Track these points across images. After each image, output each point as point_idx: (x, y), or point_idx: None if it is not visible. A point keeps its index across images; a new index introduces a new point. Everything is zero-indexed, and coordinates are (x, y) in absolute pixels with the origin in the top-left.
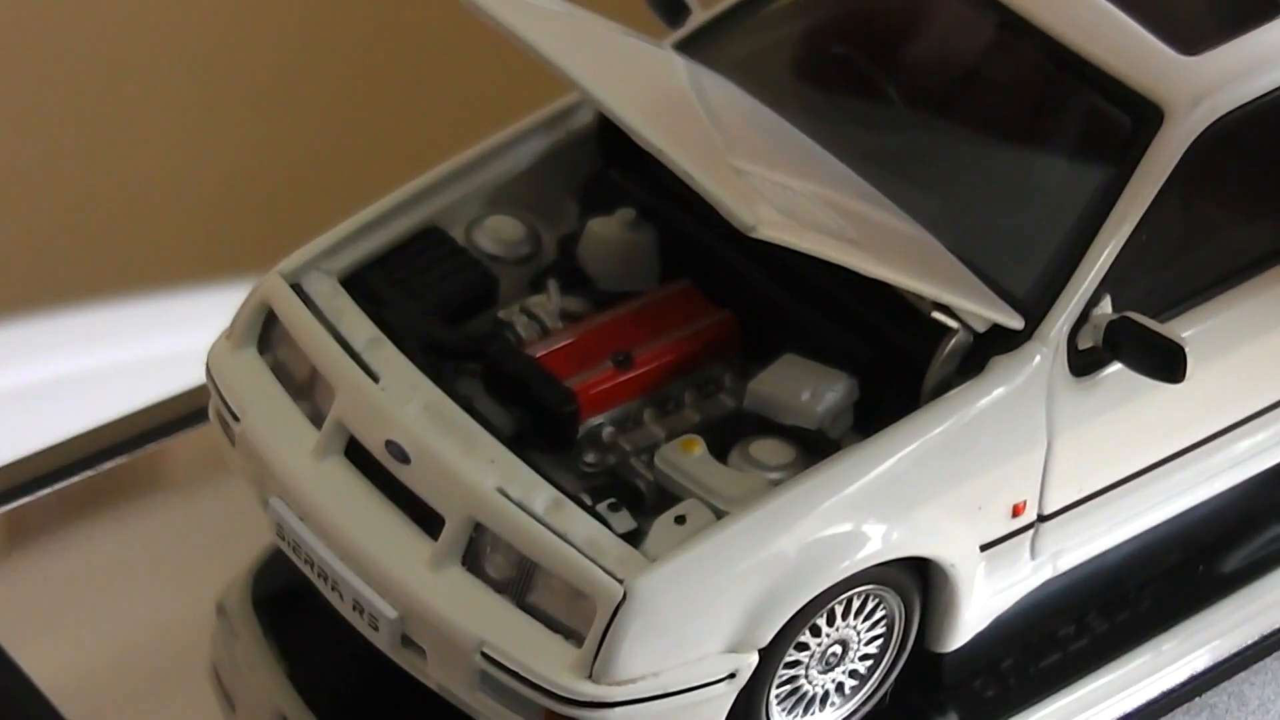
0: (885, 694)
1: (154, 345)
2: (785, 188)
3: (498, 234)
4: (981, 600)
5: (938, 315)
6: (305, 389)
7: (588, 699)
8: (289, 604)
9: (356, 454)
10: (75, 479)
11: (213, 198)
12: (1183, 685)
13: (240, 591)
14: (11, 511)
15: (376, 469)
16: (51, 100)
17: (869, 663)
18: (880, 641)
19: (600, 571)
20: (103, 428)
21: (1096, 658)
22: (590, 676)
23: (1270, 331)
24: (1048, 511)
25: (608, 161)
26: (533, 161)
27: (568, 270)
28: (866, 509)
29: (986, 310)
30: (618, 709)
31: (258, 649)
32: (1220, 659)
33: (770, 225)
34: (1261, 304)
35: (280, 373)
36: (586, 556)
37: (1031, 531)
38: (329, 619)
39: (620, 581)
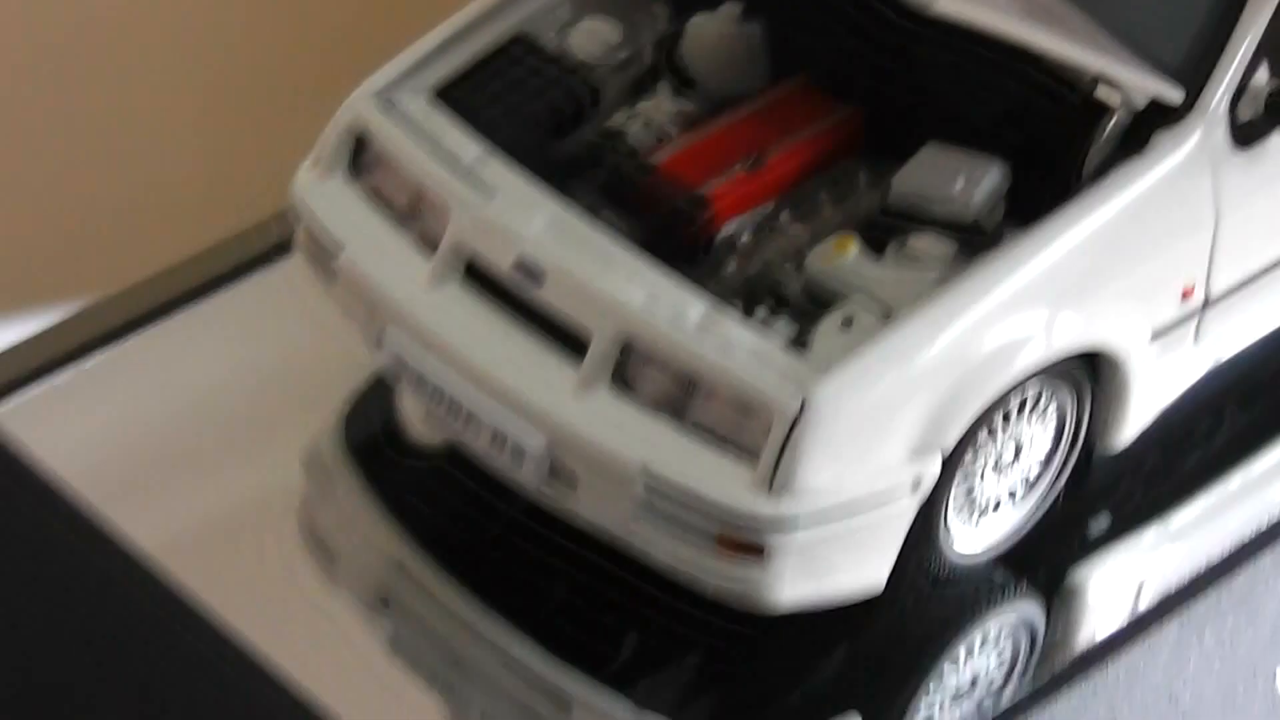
0: (1058, 497)
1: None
2: None
3: (593, 38)
4: (1151, 391)
5: (1101, 92)
6: (409, 214)
7: (768, 518)
8: (381, 452)
9: (475, 280)
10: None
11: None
12: None
13: (332, 442)
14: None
15: (500, 295)
16: None
17: (1040, 466)
18: (1051, 442)
19: (773, 382)
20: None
21: (1240, 451)
22: (770, 493)
23: None
24: (1215, 294)
25: None
26: None
27: (672, 73)
28: (1041, 301)
29: (1148, 83)
30: (800, 528)
31: (360, 498)
32: None
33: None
34: None
35: (377, 200)
36: (754, 368)
37: (1199, 316)
38: (426, 463)
39: (796, 391)
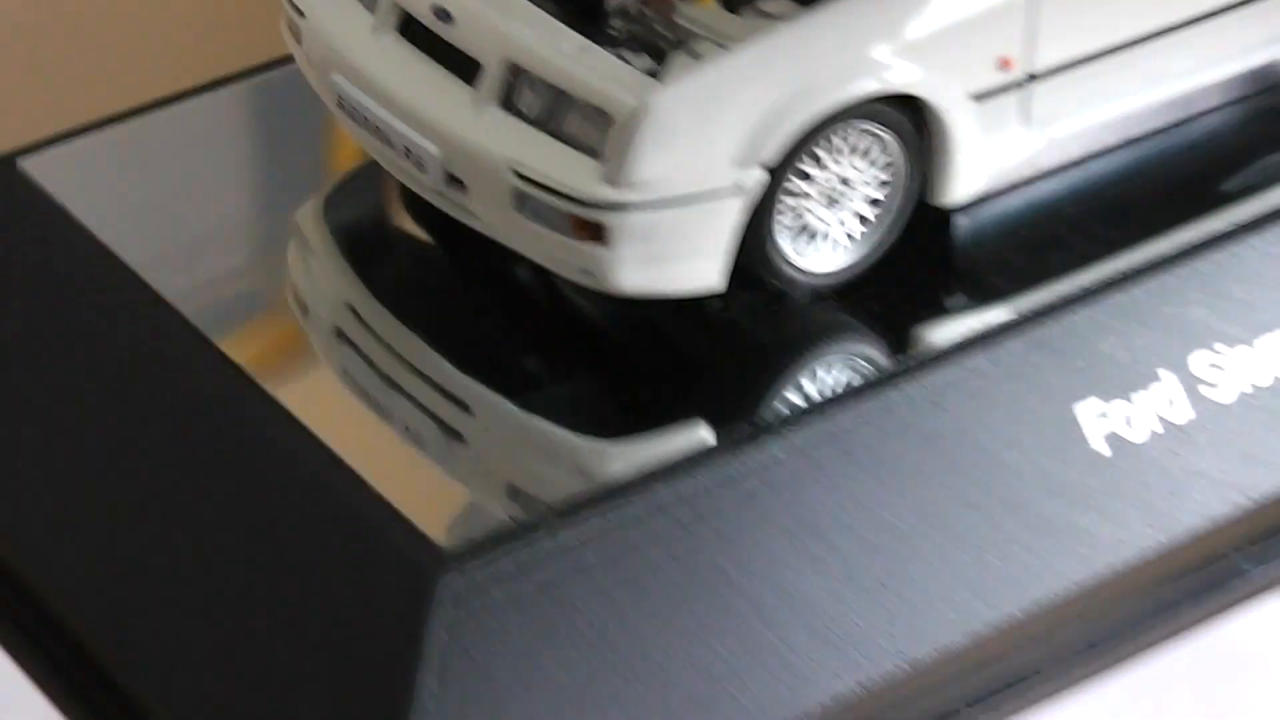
0: (890, 244)
1: None
2: None
3: None
4: (978, 152)
5: None
6: None
7: (609, 202)
8: (359, 228)
9: (408, 33)
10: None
11: None
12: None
13: (314, 212)
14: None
15: (425, 43)
16: None
17: (877, 209)
18: (887, 189)
19: (620, 90)
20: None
21: (1100, 256)
22: (611, 183)
23: None
24: (1038, 69)
25: None
26: None
27: None
28: (860, 45)
29: None
30: (635, 211)
31: (329, 258)
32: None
33: None
34: None
35: None
36: (608, 83)
37: (1021, 91)
38: (397, 234)
39: (636, 98)
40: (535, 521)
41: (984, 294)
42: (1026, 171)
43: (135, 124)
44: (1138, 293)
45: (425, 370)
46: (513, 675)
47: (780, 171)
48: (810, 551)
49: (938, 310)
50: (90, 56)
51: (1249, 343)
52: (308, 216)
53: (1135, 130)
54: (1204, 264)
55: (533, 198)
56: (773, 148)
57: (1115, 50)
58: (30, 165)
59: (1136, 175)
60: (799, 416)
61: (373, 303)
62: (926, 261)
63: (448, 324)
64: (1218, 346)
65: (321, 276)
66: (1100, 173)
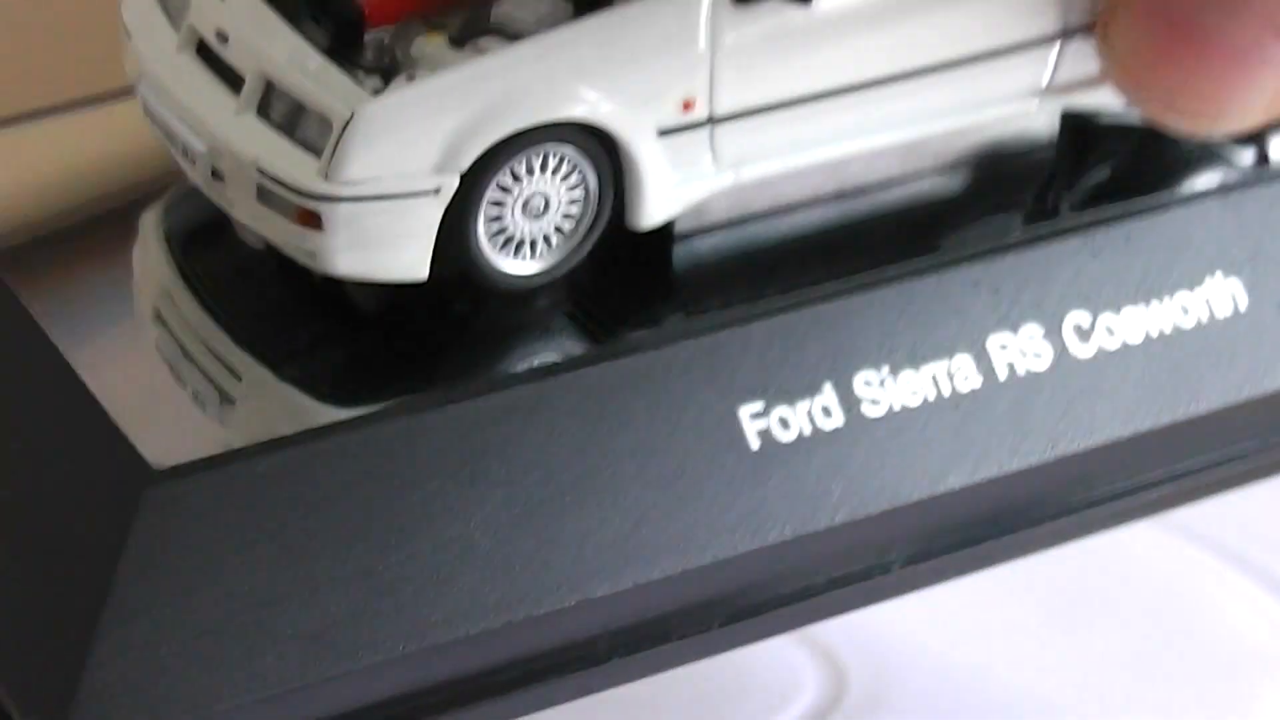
0: (581, 255)
1: None
2: None
3: None
4: (667, 182)
5: None
6: (179, 15)
7: (321, 194)
8: (188, 227)
9: (202, 54)
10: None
11: None
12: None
13: (155, 213)
14: None
15: (212, 63)
16: None
17: (571, 222)
18: (580, 207)
19: (339, 101)
20: None
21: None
22: (324, 177)
23: (918, 2)
24: (719, 114)
25: None
26: None
27: None
28: (552, 76)
29: None
30: (344, 203)
31: (159, 251)
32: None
33: None
34: None
35: (166, 7)
36: (335, 96)
37: (707, 130)
38: (216, 233)
39: (349, 107)
40: (234, 452)
41: (688, 309)
42: (735, 210)
43: (36, 126)
44: (812, 312)
45: (211, 344)
46: (201, 577)
47: (478, 180)
48: (485, 500)
49: (641, 317)
50: None
51: (914, 368)
52: (150, 217)
53: (854, 181)
54: (885, 293)
55: (268, 190)
56: (467, 158)
57: (803, 101)
58: None
59: (854, 224)
60: (486, 388)
61: (184, 290)
62: (642, 279)
63: (240, 307)
64: (882, 367)
65: (151, 268)
66: (816, 222)
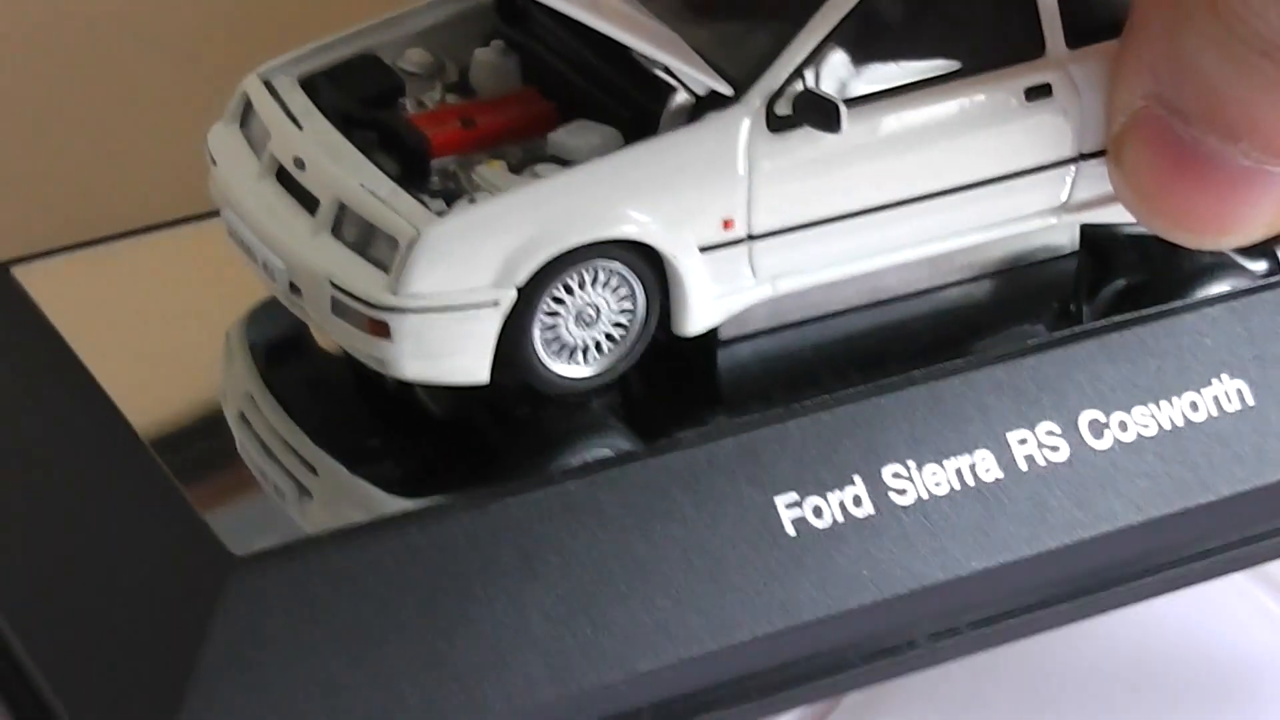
0: (632, 361)
1: None
2: None
3: (413, 59)
4: (709, 294)
5: (664, 75)
6: (260, 144)
7: (389, 306)
8: (270, 336)
9: (283, 180)
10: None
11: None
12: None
13: (239, 325)
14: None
15: (293, 189)
16: None
17: (621, 330)
18: (629, 316)
19: (405, 223)
20: None
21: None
22: (392, 291)
23: (943, 130)
24: (757, 232)
25: (502, 18)
26: (448, 17)
27: (461, 86)
28: (601, 198)
29: (702, 75)
30: (410, 314)
31: (242, 360)
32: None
33: None
34: (942, 108)
35: (249, 136)
36: (402, 218)
37: (746, 247)
38: (297, 342)
39: (415, 228)
40: (309, 540)
41: (731, 409)
42: (776, 319)
43: (131, 244)
44: (844, 411)
45: (291, 443)
46: (279, 662)
47: (534, 294)
48: (542, 588)
49: (687, 417)
50: (93, 173)
51: (939, 462)
52: (235, 330)
53: (887, 291)
54: (913, 393)
55: (342, 303)
56: (523, 274)
57: (835, 220)
58: (23, 273)
59: (888, 331)
60: (543, 483)
61: (267, 395)
62: (688, 384)
63: (317, 410)
64: (909, 462)
65: (236, 375)
66: (851, 328)
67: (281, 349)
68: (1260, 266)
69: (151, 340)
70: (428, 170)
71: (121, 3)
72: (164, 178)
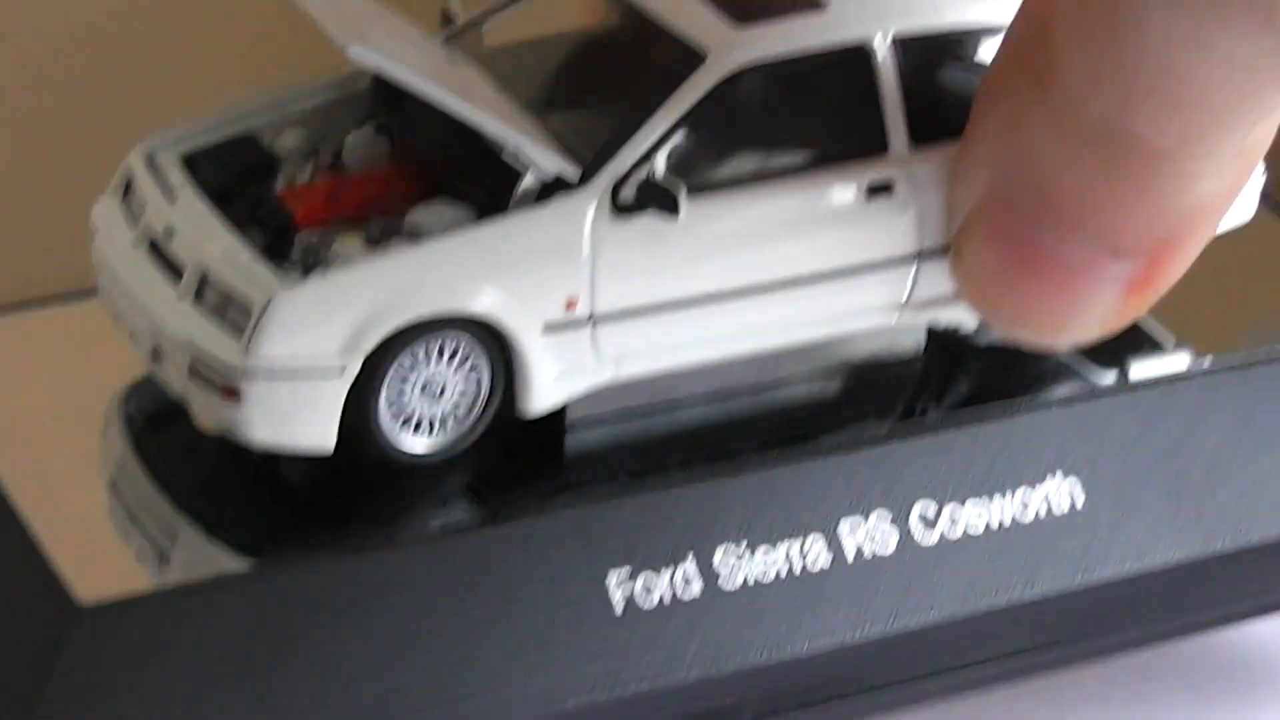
0: (473, 437)
1: None
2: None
3: (289, 140)
4: (551, 373)
5: (511, 160)
6: (138, 215)
7: (240, 369)
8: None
9: (157, 251)
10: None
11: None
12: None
13: (119, 397)
14: None
15: (161, 257)
16: None
17: (465, 406)
18: (474, 391)
19: (257, 291)
20: None
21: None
22: (244, 355)
23: (784, 222)
24: (599, 313)
25: (378, 101)
26: (328, 101)
27: (334, 166)
28: (446, 273)
29: (547, 160)
30: (260, 380)
31: (115, 431)
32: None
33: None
34: (784, 200)
35: (129, 208)
36: (257, 285)
37: (588, 328)
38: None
39: (266, 295)
40: (156, 592)
41: (571, 488)
42: (625, 403)
43: (16, 318)
44: (680, 492)
45: (156, 511)
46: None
47: (380, 364)
48: (373, 640)
49: (533, 493)
50: None
51: (770, 545)
52: (114, 400)
53: (734, 382)
54: (747, 478)
55: (196, 368)
56: (370, 343)
57: (677, 306)
58: None
59: (735, 423)
60: (379, 546)
61: (137, 463)
62: (536, 462)
63: (184, 478)
64: (741, 543)
65: (110, 444)
66: (699, 418)
67: (158, 420)
68: (1109, 377)
69: (34, 411)
70: (291, 242)
71: (8, 79)
72: (52, 251)
